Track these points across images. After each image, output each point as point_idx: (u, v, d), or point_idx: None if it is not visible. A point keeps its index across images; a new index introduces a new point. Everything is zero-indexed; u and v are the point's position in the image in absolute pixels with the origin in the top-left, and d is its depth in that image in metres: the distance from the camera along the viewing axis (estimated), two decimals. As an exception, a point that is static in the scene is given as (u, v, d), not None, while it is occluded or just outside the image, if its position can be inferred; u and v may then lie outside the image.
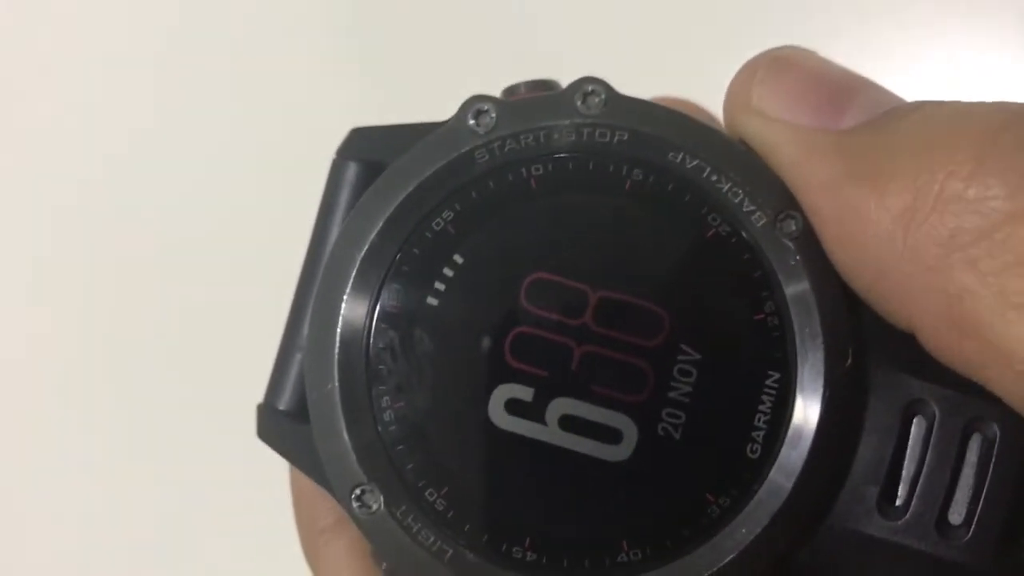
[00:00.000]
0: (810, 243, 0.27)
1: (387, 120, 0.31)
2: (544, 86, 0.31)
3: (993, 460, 0.27)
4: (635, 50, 0.61)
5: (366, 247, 0.28)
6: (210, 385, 0.61)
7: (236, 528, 0.60)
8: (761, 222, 0.27)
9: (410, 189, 0.28)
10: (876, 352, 0.27)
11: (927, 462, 0.27)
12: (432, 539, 0.27)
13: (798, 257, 0.27)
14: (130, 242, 0.65)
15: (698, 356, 0.27)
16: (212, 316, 0.63)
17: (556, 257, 0.27)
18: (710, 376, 0.27)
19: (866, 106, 0.27)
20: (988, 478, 0.27)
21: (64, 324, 0.65)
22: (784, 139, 0.27)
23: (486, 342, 0.27)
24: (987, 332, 0.24)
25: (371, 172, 0.29)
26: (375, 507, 0.27)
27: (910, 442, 0.27)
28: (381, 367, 0.27)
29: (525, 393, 0.27)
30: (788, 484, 0.27)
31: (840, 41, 0.52)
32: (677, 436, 0.27)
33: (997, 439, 0.27)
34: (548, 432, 0.27)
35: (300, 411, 0.29)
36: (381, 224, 0.28)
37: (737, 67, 0.28)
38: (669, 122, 0.28)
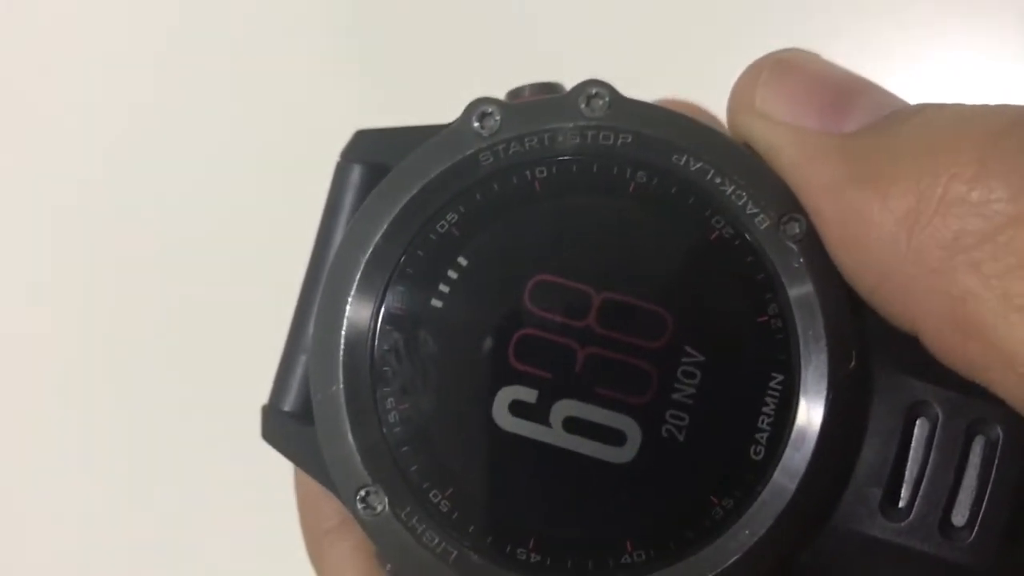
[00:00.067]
0: (813, 245, 0.27)
1: (388, 122, 0.31)
2: (548, 89, 0.31)
3: (996, 462, 0.27)
4: (637, 52, 0.61)
5: (370, 249, 0.28)
6: (211, 386, 0.61)
7: (239, 529, 0.60)
8: (765, 224, 0.27)
9: (414, 191, 0.28)
10: (879, 354, 0.27)
11: (930, 464, 0.27)
12: (436, 540, 0.27)
13: (801, 259, 0.27)
14: (130, 242, 0.65)
15: (702, 358, 0.27)
16: (211, 317, 0.63)
17: (560, 259, 0.27)
18: (714, 378, 0.27)
19: (869, 109, 0.27)
20: (991, 480, 0.27)
21: (64, 324, 0.65)
22: (787, 142, 0.27)
23: (490, 344, 0.27)
24: (990, 334, 0.24)
25: (375, 174, 0.29)
26: (380, 508, 0.27)
27: (913, 444, 0.27)
28: (386, 369, 0.28)
29: (529, 395, 0.27)
30: (792, 486, 0.27)
31: (840, 41, 0.52)
32: (681, 438, 0.27)
33: (1000, 441, 0.27)
34: (552, 434, 0.27)
35: (305, 413, 0.29)
36: (385, 226, 0.28)
37: (737, 68, 0.28)
38: (673, 124, 0.28)
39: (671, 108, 0.28)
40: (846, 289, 0.27)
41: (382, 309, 0.28)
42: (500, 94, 0.30)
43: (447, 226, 0.28)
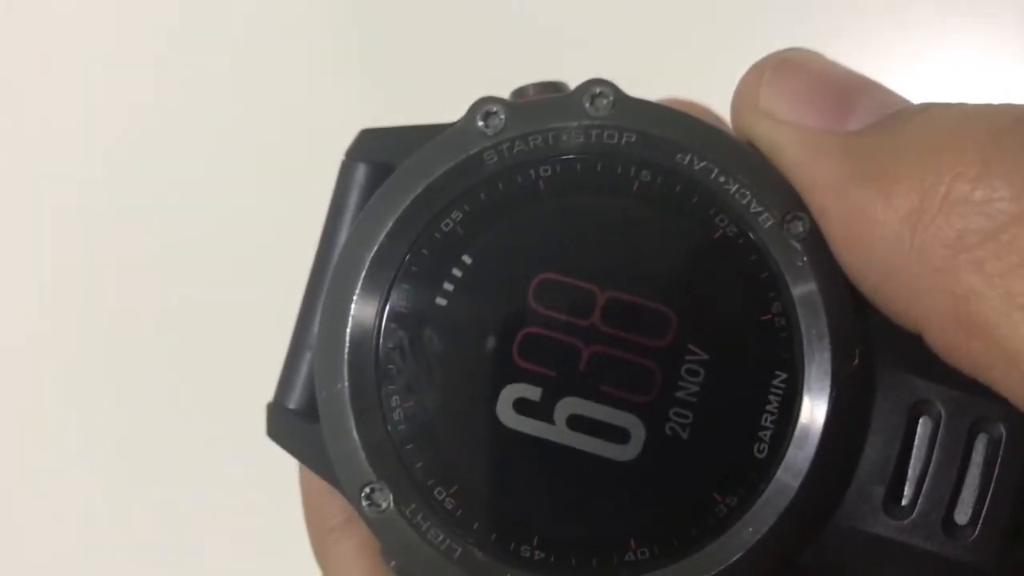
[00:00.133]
0: (817, 244, 0.27)
1: (391, 121, 0.31)
2: (552, 88, 0.31)
3: (999, 460, 0.27)
4: (639, 51, 0.61)
5: (375, 248, 0.28)
6: (211, 385, 0.61)
7: (243, 527, 0.60)
8: (768, 223, 0.27)
9: (419, 190, 0.28)
10: (883, 353, 0.27)
11: (933, 462, 0.27)
12: (441, 537, 0.27)
13: (805, 258, 0.27)
14: (130, 242, 0.65)
15: (705, 356, 0.27)
16: (212, 317, 0.63)
17: (564, 258, 0.27)
18: (717, 376, 0.27)
19: (872, 108, 0.27)
20: (994, 478, 0.27)
21: (64, 324, 0.65)
22: (791, 140, 0.27)
23: (494, 342, 0.27)
24: (993, 333, 0.24)
25: (380, 173, 0.29)
26: (384, 506, 0.27)
27: (916, 442, 0.27)
28: (390, 367, 0.28)
29: (533, 393, 0.27)
30: (795, 483, 0.27)
31: (840, 41, 0.52)
32: (684, 436, 0.27)
33: (1003, 439, 0.27)
34: (556, 431, 0.27)
35: (310, 410, 0.29)
36: (390, 225, 0.28)
37: (739, 68, 0.29)
38: (677, 124, 0.28)
39: (675, 107, 0.29)
40: (849, 288, 0.27)
41: (387, 307, 0.28)
42: (504, 93, 0.30)
43: (452, 225, 0.28)
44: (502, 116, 0.28)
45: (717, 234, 0.28)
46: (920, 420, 0.27)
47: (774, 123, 0.27)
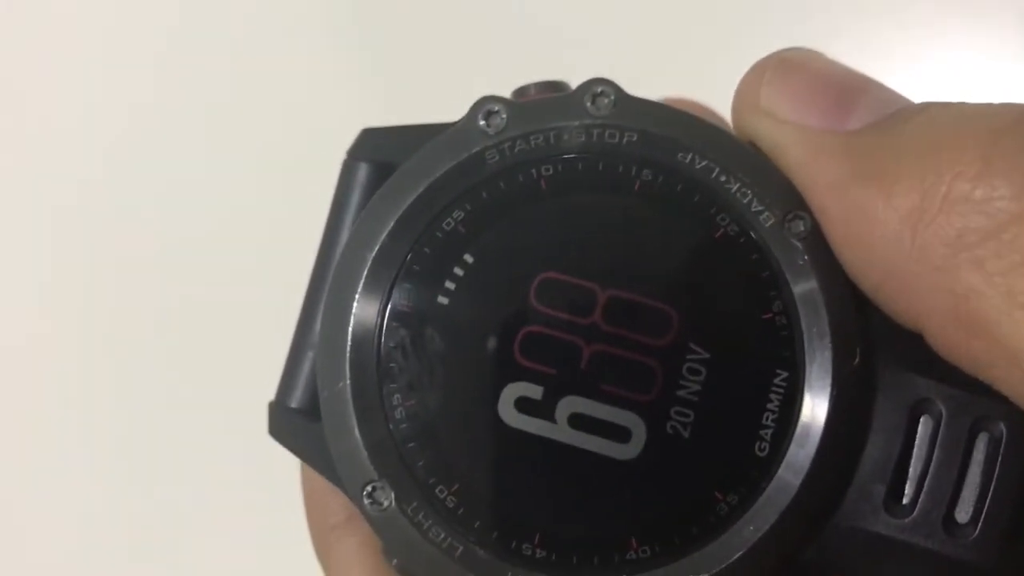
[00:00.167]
0: (818, 243, 0.27)
1: (392, 121, 0.31)
2: (554, 87, 0.31)
3: (1000, 458, 0.27)
4: (639, 51, 0.61)
5: (377, 247, 0.28)
6: (212, 385, 0.61)
7: (244, 526, 0.60)
8: (769, 222, 0.27)
9: (421, 189, 0.28)
10: (883, 351, 0.27)
11: (934, 461, 0.27)
12: (443, 536, 0.27)
13: (806, 257, 0.27)
14: (130, 242, 0.65)
15: (707, 355, 0.27)
16: (212, 317, 0.63)
17: (566, 257, 0.28)
18: (719, 375, 0.27)
19: (873, 107, 0.27)
20: (995, 476, 0.27)
21: (64, 324, 0.65)
22: (792, 140, 0.27)
23: (496, 341, 0.27)
24: (994, 331, 0.24)
25: (382, 173, 0.29)
26: (386, 504, 0.27)
27: (917, 441, 0.27)
28: (392, 365, 0.28)
29: (535, 391, 0.27)
30: (796, 482, 0.27)
31: (840, 41, 0.52)
32: (686, 434, 0.27)
33: (1004, 438, 0.27)
34: (557, 430, 0.27)
35: (312, 409, 0.29)
36: (392, 224, 0.28)
37: (739, 68, 0.29)
38: (678, 123, 0.28)
39: (676, 107, 0.29)
40: (850, 286, 0.27)
41: (389, 306, 0.28)
42: (505, 93, 0.30)
43: (453, 224, 0.28)
44: (503, 115, 0.28)
45: (718, 233, 0.28)
46: (921, 419, 0.27)
47: (775, 122, 0.27)
